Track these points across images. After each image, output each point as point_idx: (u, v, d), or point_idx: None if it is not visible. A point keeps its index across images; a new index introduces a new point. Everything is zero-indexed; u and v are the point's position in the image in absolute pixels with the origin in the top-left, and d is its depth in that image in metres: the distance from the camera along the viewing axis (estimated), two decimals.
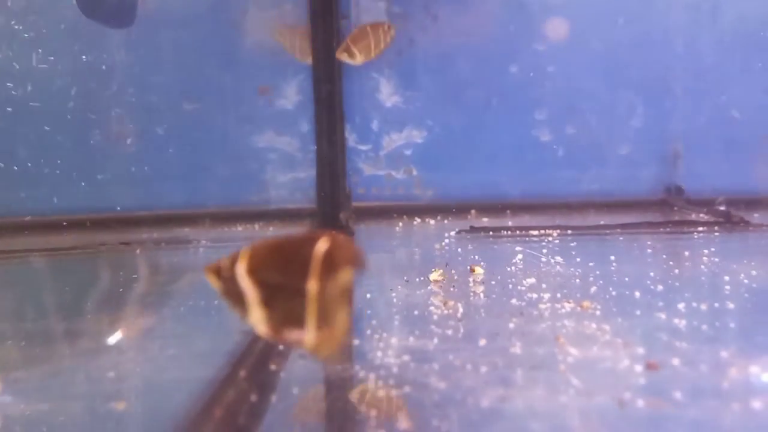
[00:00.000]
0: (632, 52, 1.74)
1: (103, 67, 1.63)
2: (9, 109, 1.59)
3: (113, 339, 0.78)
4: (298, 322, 0.46)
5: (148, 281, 1.05)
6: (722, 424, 0.52)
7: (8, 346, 0.76)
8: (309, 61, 1.62)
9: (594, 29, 1.73)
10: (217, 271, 0.50)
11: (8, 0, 1.54)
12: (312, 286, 0.45)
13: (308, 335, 0.46)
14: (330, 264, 0.44)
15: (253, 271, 0.47)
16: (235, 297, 0.49)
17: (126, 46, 1.64)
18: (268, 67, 1.73)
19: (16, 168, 1.61)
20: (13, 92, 1.58)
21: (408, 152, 1.77)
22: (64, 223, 1.59)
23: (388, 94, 1.76)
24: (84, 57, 1.61)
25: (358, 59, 1.40)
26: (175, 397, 0.60)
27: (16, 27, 1.56)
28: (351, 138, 1.75)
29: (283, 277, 0.46)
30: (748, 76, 1.73)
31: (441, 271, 1.04)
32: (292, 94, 1.74)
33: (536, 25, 1.73)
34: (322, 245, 0.45)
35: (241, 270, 0.48)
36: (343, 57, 1.42)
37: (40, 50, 1.58)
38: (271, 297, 0.47)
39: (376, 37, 1.46)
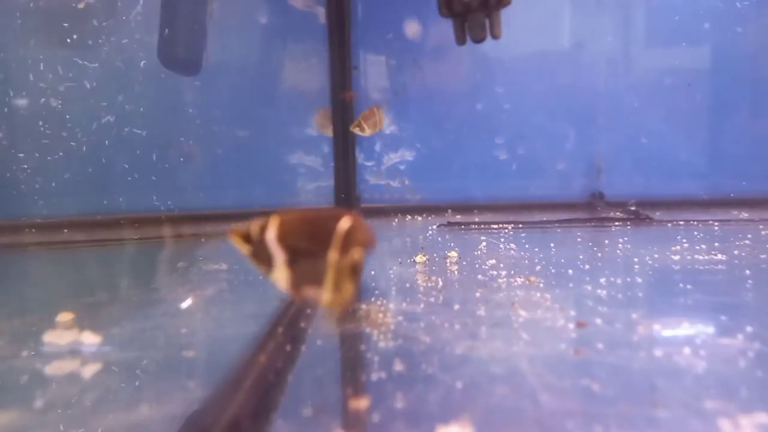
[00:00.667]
0: (567, 94, 1.74)
1: (178, 104, 1.63)
2: (112, 135, 1.59)
3: (185, 305, 0.78)
4: (317, 283, 0.44)
5: (211, 262, 1.04)
6: (632, 367, 0.51)
7: (106, 309, 0.76)
8: (330, 133, 1.65)
9: (538, 76, 1.73)
10: (246, 236, 0.47)
11: (118, 62, 1.53)
12: (333, 255, 0.43)
13: (325, 294, 0.44)
14: (348, 241, 0.42)
15: (282, 238, 0.45)
16: (261, 258, 0.46)
17: (194, 89, 1.64)
18: (299, 105, 1.73)
19: (111, 178, 1.61)
20: (115, 122, 1.58)
21: (402, 167, 1.76)
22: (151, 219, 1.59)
23: (387, 125, 1.75)
24: (164, 97, 1.61)
25: (367, 132, 1.43)
26: (231, 346, 0.60)
27: (122, 77, 1.56)
28: (360, 157, 1.74)
29: (307, 245, 0.44)
30: (653, 112, 1.73)
31: (421, 254, 1.04)
32: (317, 125, 1.73)
33: (496, 74, 1.72)
34: (344, 223, 0.43)
35: (271, 236, 0.45)
36: (356, 131, 1.44)
37: (132, 92, 1.58)
38: (294, 260, 0.45)
39: (379, 115, 1.49)
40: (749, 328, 0.59)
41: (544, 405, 0.44)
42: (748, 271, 0.86)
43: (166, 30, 1.31)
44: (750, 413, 0.40)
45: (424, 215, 1.65)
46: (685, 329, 0.60)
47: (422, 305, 0.73)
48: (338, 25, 1.69)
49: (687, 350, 0.54)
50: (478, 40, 0.88)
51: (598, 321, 0.64)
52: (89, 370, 0.55)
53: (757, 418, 0.39)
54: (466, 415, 0.42)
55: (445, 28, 1.32)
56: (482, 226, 1.42)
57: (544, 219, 1.48)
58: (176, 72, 1.39)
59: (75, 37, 1.53)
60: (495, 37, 0.89)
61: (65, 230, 1.52)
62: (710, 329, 0.60)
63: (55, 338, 0.62)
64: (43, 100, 1.53)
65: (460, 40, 0.91)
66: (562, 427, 0.40)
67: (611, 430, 0.39)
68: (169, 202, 1.62)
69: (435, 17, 1.23)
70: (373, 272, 0.96)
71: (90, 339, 0.62)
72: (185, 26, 1.32)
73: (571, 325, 0.63)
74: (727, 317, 0.63)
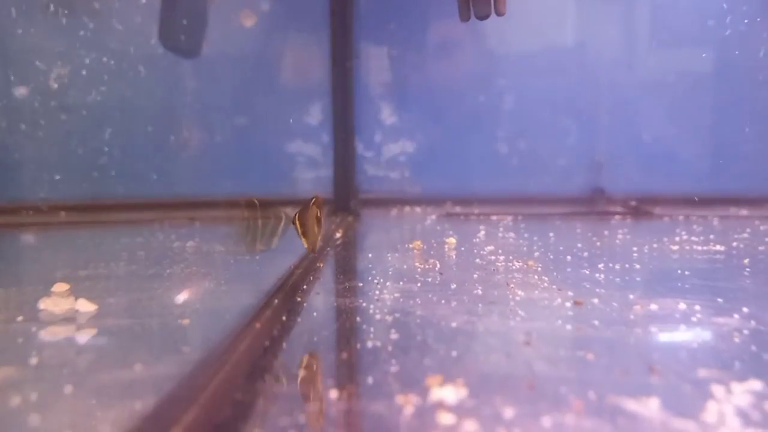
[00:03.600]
0: (569, 90, 1.75)
1: (177, 91, 1.63)
2: (110, 121, 1.59)
3: (181, 297, 0.78)
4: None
5: (206, 244, 1.05)
6: (628, 341, 0.52)
7: (102, 282, 0.76)
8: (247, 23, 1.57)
9: (542, 71, 1.74)
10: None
11: (110, 43, 1.53)
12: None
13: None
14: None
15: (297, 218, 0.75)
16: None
17: (194, 77, 1.64)
18: (300, 94, 1.73)
19: (110, 164, 1.61)
20: (114, 108, 1.58)
21: (402, 159, 1.76)
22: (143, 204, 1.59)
23: (387, 115, 1.76)
24: (165, 84, 1.61)
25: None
26: (226, 316, 0.61)
27: (121, 63, 1.56)
28: (359, 147, 1.75)
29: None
30: (655, 109, 1.74)
31: (418, 241, 1.03)
32: (317, 114, 1.73)
33: (498, 67, 1.73)
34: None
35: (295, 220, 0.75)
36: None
37: (131, 78, 1.58)
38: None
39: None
40: (745, 309, 0.59)
41: (538, 372, 0.44)
42: (746, 260, 0.87)
43: (168, 13, 1.31)
44: (743, 381, 0.41)
45: (423, 206, 1.66)
46: (681, 309, 0.60)
47: (419, 284, 0.74)
48: (340, 14, 1.70)
49: (683, 327, 0.55)
50: (483, 16, 0.88)
51: (596, 301, 0.64)
52: (84, 335, 0.55)
53: (750, 384, 0.40)
54: (461, 379, 0.42)
55: (448, 20, 1.32)
56: (481, 216, 1.43)
57: (545, 212, 1.48)
58: (177, 55, 1.40)
59: (74, 21, 1.53)
60: (499, 13, 0.89)
61: (62, 213, 1.53)
62: (707, 309, 0.60)
63: (50, 306, 0.62)
64: (42, 85, 1.53)
65: (464, 16, 0.91)
66: (555, 390, 0.40)
67: (604, 395, 0.39)
68: (166, 188, 1.63)
69: (438, 8, 1.23)
70: (370, 255, 0.96)
71: (85, 307, 0.62)
72: (186, 9, 1.33)
73: (568, 304, 0.63)
74: (724, 299, 0.64)
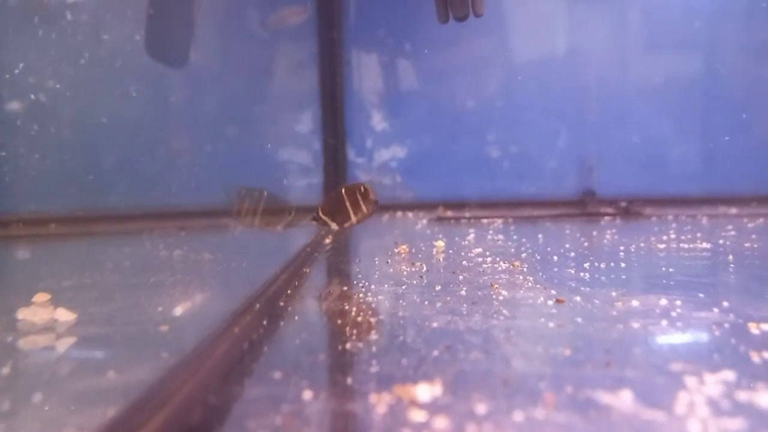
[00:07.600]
0: (559, 92, 1.76)
1: (169, 102, 1.64)
2: (100, 131, 1.59)
3: (178, 311, 0.77)
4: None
5: (194, 253, 1.05)
6: (609, 337, 0.52)
7: (85, 291, 0.76)
8: None
9: (531, 75, 1.75)
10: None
11: (102, 52, 1.54)
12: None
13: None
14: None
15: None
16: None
17: (185, 86, 1.65)
18: (290, 101, 1.74)
19: (100, 174, 1.60)
20: (104, 118, 1.58)
21: (393, 164, 1.77)
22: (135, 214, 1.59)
23: (378, 121, 1.76)
24: (155, 95, 1.61)
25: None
26: (205, 321, 0.60)
27: (109, 74, 1.56)
28: (351, 153, 1.75)
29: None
30: (644, 111, 1.75)
31: (405, 245, 1.03)
32: (308, 121, 1.74)
33: (488, 71, 1.74)
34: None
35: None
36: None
37: (121, 89, 1.58)
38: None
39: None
40: (726, 303, 0.60)
41: (516, 368, 0.44)
42: (731, 257, 0.87)
43: (154, 22, 1.32)
44: (716, 372, 0.41)
45: (415, 211, 1.66)
46: (662, 305, 0.60)
47: (405, 287, 0.74)
48: (329, 22, 1.71)
49: (663, 322, 0.55)
50: (460, 17, 0.89)
51: (578, 298, 0.64)
52: (61, 344, 0.55)
53: (722, 375, 0.40)
54: (438, 377, 0.42)
55: (437, 25, 1.33)
56: (471, 220, 1.43)
57: (535, 214, 1.48)
58: (163, 63, 1.40)
59: (62, 33, 1.54)
60: (477, 14, 0.90)
61: (53, 225, 1.52)
62: (688, 304, 0.60)
63: (29, 315, 0.62)
64: (31, 97, 1.53)
65: (443, 18, 0.92)
66: (533, 386, 0.40)
67: (581, 389, 0.39)
68: (157, 198, 1.62)
69: (426, 14, 1.24)
70: (359, 260, 0.96)
71: (64, 316, 0.62)
72: (172, 18, 1.33)
73: (551, 302, 0.63)
74: (705, 295, 0.64)
